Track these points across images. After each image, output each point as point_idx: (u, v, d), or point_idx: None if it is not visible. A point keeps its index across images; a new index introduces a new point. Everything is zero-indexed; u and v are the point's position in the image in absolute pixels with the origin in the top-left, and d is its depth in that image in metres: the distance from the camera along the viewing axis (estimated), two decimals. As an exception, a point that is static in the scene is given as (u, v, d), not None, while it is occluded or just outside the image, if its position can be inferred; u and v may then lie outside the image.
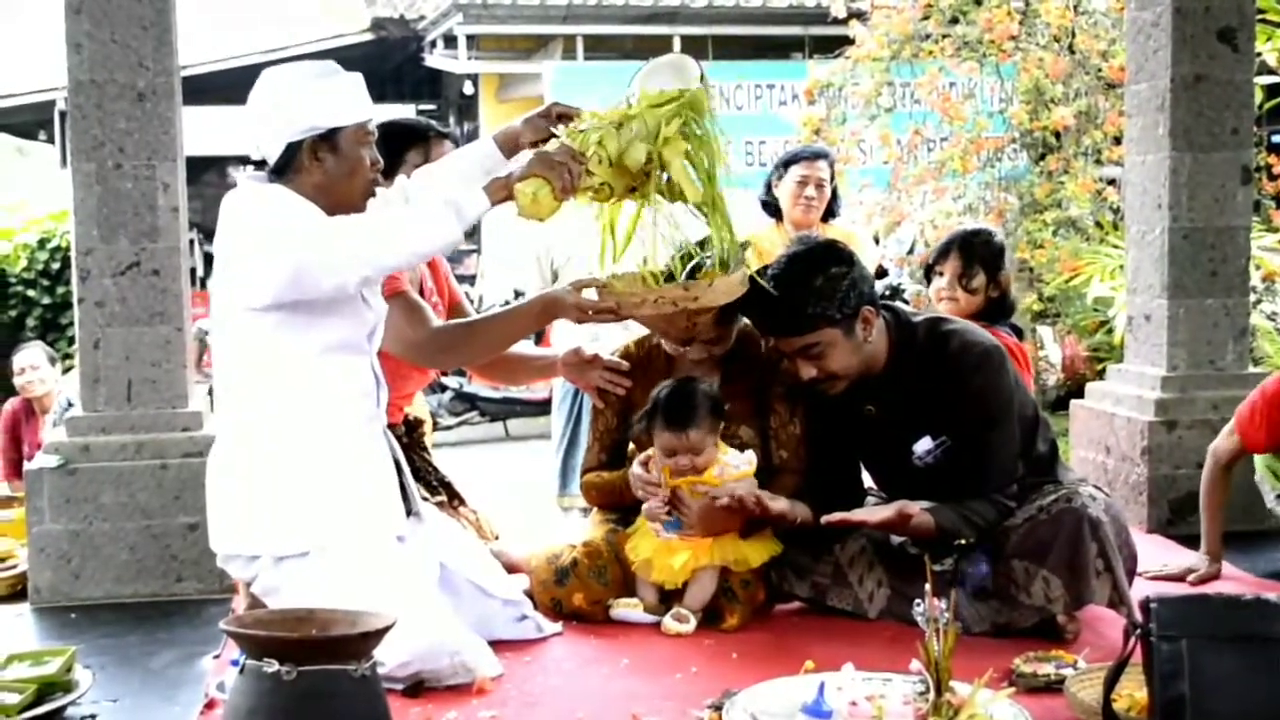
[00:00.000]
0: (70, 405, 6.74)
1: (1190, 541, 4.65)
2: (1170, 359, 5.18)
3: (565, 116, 3.68)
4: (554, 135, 3.64)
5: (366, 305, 3.50)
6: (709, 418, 3.83)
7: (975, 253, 4.62)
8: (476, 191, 3.43)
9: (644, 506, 3.93)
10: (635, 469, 3.93)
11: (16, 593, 4.52)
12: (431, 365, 4.15)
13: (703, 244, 3.73)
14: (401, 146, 4.03)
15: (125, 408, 4.55)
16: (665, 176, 3.62)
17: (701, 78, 3.67)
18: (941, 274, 4.62)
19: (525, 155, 3.65)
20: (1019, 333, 4.72)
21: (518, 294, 10.46)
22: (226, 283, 3.39)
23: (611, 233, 3.73)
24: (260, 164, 3.51)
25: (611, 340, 4.48)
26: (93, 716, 3.37)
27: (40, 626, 4.27)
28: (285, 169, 3.41)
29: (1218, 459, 4.28)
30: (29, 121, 16.77)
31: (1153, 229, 5.23)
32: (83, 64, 4.49)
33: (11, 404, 7.60)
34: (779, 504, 3.82)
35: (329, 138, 3.40)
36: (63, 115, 14.82)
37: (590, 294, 3.72)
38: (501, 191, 3.45)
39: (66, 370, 8.42)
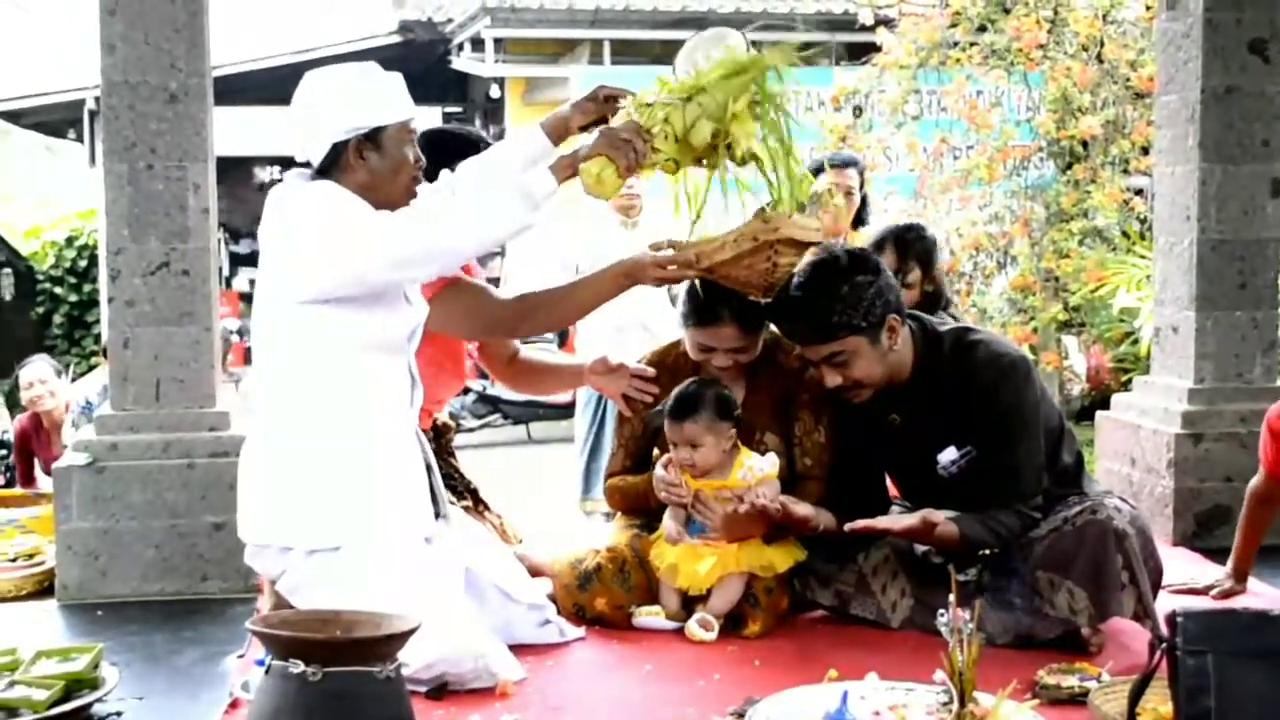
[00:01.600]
0: (90, 405, 6.78)
1: (1216, 555, 4.63)
2: (1197, 371, 5.16)
3: (613, 98, 3.68)
4: (617, 110, 3.60)
5: (408, 303, 3.52)
6: (712, 416, 3.83)
7: (910, 248, 4.76)
8: (543, 171, 3.45)
9: (664, 524, 3.94)
10: (658, 471, 3.94)
11: (44, 589, 4.55)
12: (512, 334, 4.15)
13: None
14: (452, 155, 4.03)
15: (154, 407, 4.57)
16: (732, 150, 3.61)
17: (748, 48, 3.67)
18: None
19: (576, 140, 3.65)
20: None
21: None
22: (274, 276, 3.41)
23: (688, 201, 3.74)
24: (296, 165, 3.53)
25: (638, 348, 4.49)
26: (118, 714, 3.39)
27: (67, 623, 4.29)
28: (330, 169, 3.43)
29: (1253, 492, 4.21)
30: (58, 120, 16.85)
31: (1181, 240, 5.22)
32: (116, 65, 4.52)
33: (20, 421, 7.59)
34: (802, 509, 3.83)
35: (373, 137, 3.42)
36: (92, 114, 14.91)
37: (667, 254, 3.72)
38: (568, 170, 3.47)
39: (87, 370, 8.47)
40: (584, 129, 3.68)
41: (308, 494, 3.39)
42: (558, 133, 3.70)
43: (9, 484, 7.11)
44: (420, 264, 3.36)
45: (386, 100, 3.46)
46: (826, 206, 3.75)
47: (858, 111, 9.92)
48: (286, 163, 3.57)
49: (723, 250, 3.60)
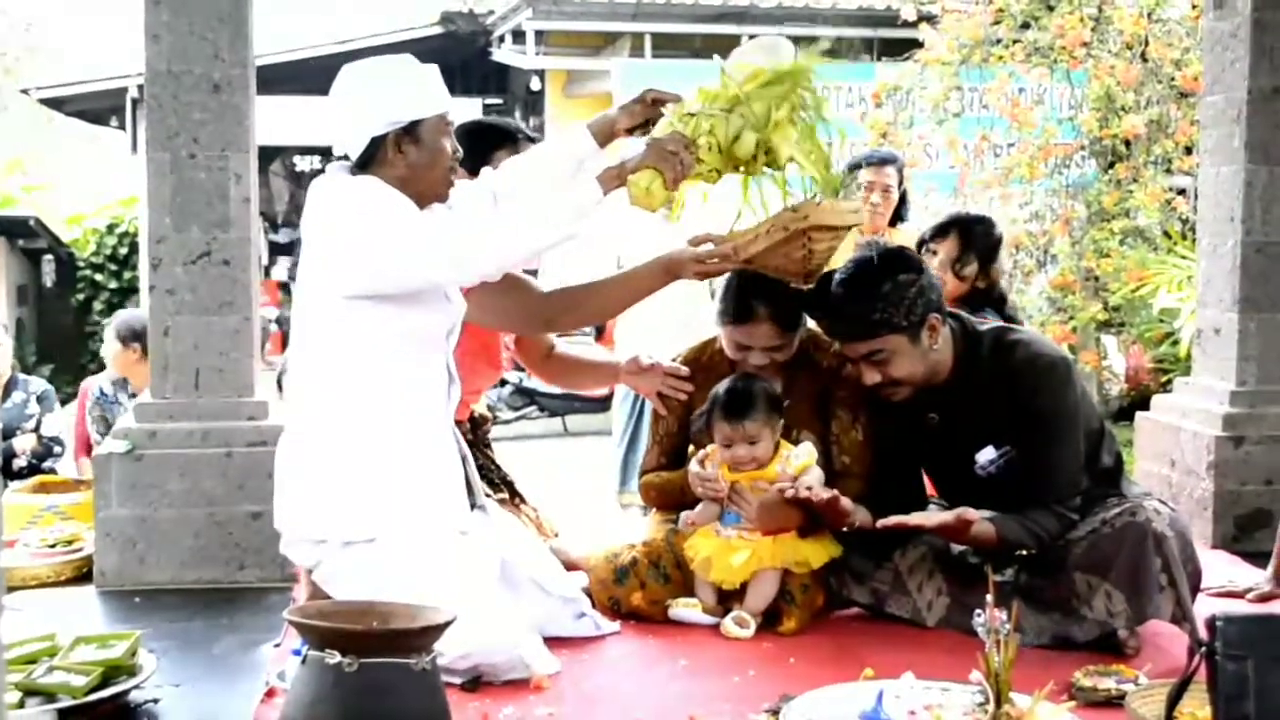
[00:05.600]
0: (103, 395, 6.83)
1: (1256, 558, 4.60)
2: (1240, 373, 5.12)
3: (660, 101, 3.69)
4: (661, 114, 3.63)
5: (448, 300, 3.53)
6: (766, 410, 3.85)
7: (974, 240, 4.71)
8: (590, 183, 3.47)
9: (688, 513, 3.94)
10: (693, 466, 3.94)
11: (83, 575, 4.58)
12: (550, 328, 4.16)
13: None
14: (490, 147, 4.05)
15: (193, 395, 4.59)
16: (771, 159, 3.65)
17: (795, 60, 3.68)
18: (935, 253, 4.68)
19: (623, 143, 3.66)
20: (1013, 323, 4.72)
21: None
22: (316, 269, 3.43)
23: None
24: (334, 157, 3.55)
25: (673, 346, 4.48)
26: (155, 701, 3.41)
27: (105, 609, 4.32)
28: (369, 162, 3.45)
29: None
30: (101, 108, 16.99)
31: (1225, 242, 5.17)
32: (160, 55, 4.53)
33: (88, 383, 7.66)
34: (844, 502, 3.82)
35: (411, 130, 3.43)
36: (134, 102, 15.01)
37: (707, 248, 3.74)
38: (614, 181, 3.49)
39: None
40: (629, 132, 3.69)
41: (343, 486, 3.41)
42: (604, 135, 3.71)
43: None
44: (465, 268, 3.37)
45: (423, 93, 3.46)
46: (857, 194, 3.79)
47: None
48: (326, 152, 3.59)
49: (757, 241, 3.64)
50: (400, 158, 3.43)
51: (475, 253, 3.35)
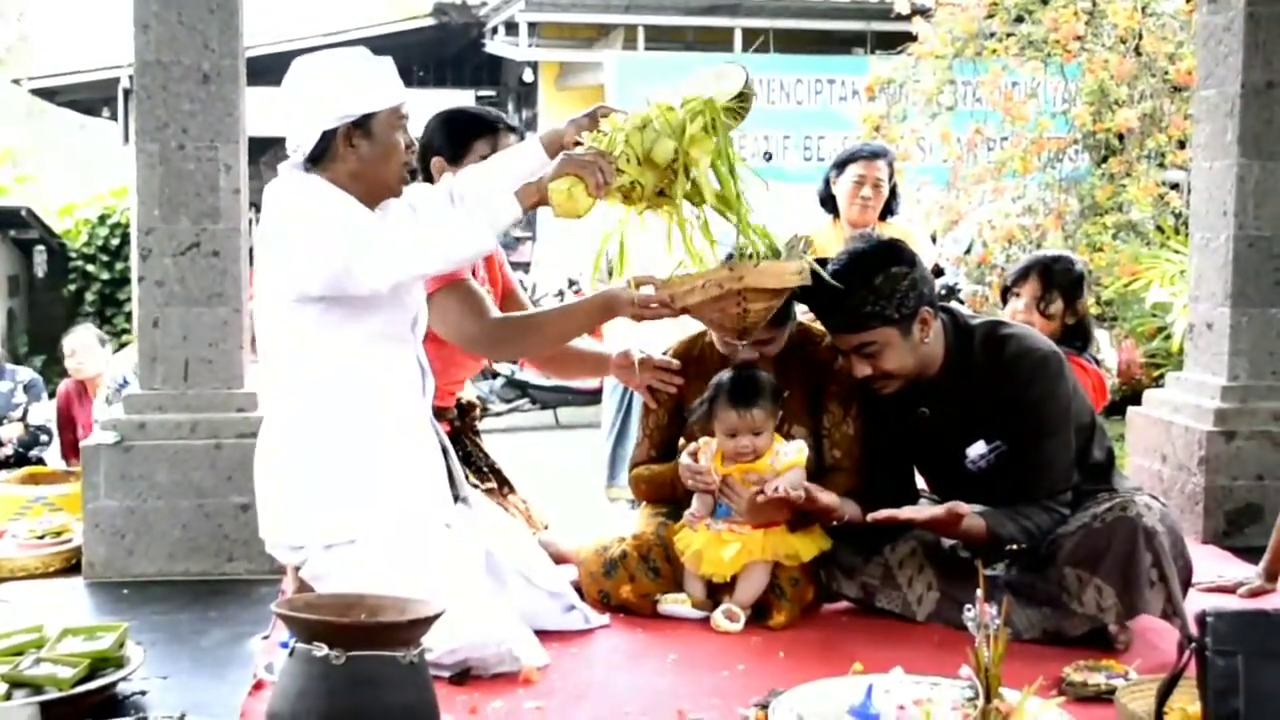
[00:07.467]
0: (125, 383, 6.83)
1: (1246, 553, 4.60)
2: (1231, 368, 5.12)
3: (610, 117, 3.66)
4: (579, 142, 3.61)
5: (407, 293, 3.51)
6: (771, 400, 3.84)
7: (1055, 279, 4.72)
8: (508, 198, 3.43)
9: (686, 513, 3.93)
10: (684, 458, 3.93)
11: (71, 567, 4.57)
12: (486, 356, 4.15)
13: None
14: (469, 136, 4.02)
15: (182, 387, 4.58)
16: (692, 176, 3.59)
17: (746, 88, 3.62)
18: (1019, 296, 4.73)
19: None
20: (1097, 362, 4.75)
21: (571, 282, 10.49)
22: (269, 274, 3.41)
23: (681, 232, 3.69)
24: (287, 150, 3.53)
25: (664, 339, 4.47)
26: (142, 693, 3.39)
27: (93, 601, 4.32)
28: (321, 157, 3.43)
29: None
30: (92, 98, 16.93)
31: (1217, 236, 5.17)
32: (149, 45, 4.52)
33: (65, 386, 7.70)
34: (827, 497, 3.81)
35: (363, 124, 3.40)
36: (125, 93, 14.96)
37: (646, 291, 3.69)
38: (534, 195, 3.44)
39: (119, 348, 8.55)
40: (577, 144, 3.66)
41: (318, 491, 3.41)
42: (554, 148, 3.67)
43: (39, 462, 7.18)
44: (384, 276, 3.29)
45: (376, 86, 3.43)
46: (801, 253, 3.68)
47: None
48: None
49: (694, 294, 3.57)
50: (352, 152, 3.41)
51: (396, 263, 3.28)
